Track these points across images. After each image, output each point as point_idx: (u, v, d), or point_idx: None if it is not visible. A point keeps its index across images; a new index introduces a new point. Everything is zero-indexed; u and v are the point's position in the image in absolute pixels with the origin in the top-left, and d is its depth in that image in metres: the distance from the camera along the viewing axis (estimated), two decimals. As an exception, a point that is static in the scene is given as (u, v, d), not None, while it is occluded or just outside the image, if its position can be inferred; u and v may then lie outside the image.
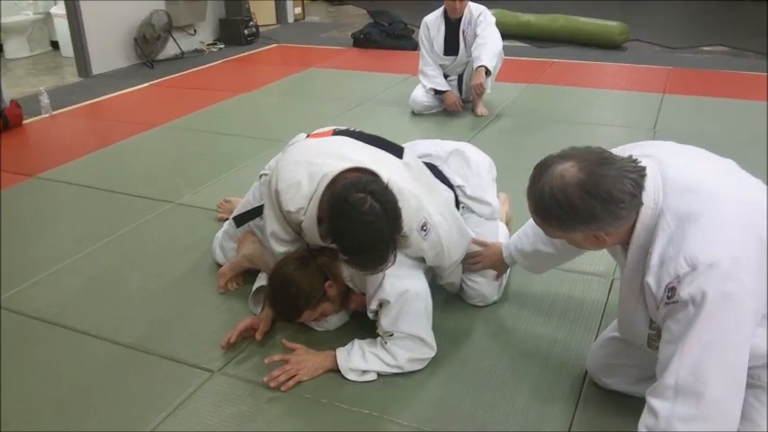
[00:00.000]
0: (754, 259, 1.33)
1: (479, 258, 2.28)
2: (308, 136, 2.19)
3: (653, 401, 1.37)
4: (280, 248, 2.11)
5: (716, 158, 1.54)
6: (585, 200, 1.37)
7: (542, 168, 1.44)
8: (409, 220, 1.91)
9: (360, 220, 1.77)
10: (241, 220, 2.46)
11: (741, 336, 1.33)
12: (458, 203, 2.29)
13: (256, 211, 2.36)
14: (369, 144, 2.11)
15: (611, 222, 1.41)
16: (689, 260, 1.33)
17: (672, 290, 1.35)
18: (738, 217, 1.37)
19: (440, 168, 2.32)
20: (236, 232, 2.51)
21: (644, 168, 1.41)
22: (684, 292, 1.32)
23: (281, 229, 2.08)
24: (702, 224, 1.36)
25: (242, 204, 2.53)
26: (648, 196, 1.42)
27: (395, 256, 1.87)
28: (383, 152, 2.09)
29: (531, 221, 2.10)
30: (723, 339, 1.31)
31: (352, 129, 2.22)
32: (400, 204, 1.87)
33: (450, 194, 2.26)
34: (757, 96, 4.75)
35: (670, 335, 1.37)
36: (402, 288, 1.95)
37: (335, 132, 2.16)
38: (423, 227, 1.97)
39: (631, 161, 1.41)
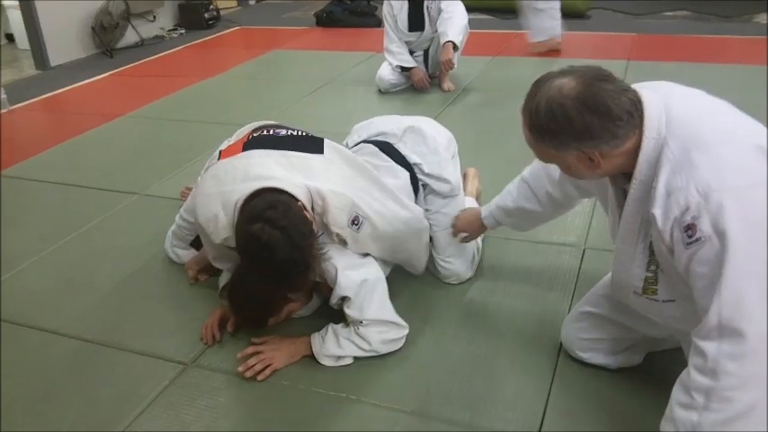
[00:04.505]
0: None
1: (455, 224, 2.26)
2: (220, 153, 2.12)
3: (699, 342, 1.30)
4: (226, 266, 2.11)
5: (713, 97, 1.48)
6: (582, 113, 1.33)
7: (540, 83, 1.40)
8: (338, 220, 1.92)
9: (262, 255, 1.78)
10: (198, 242, 2.44)
11: None
12: (416, 182, 2.26)
13: None
14: (284, 149, 2.04)
15: (607, 140, 1.35)
16: (700, 189, 1.27)
17: (690, 227, 1.28)
18: (749, 143, 1.32)
19: (395, 147, 2.28)
20: (183, 233, 2.49)
21: (638, 93, 1.37)
22: (706, 225, 1.26)
23: (220, 254, 2.09)
24: (712, 151, 1.30)
25: (186, 208, 2.44)
26: (651, 126, 1.36)
27: (314, 271, 1.89)
28: (299, 154, 2.03)
29: (515, 180, 2.08)
30: (758, 269, 1.24)
31: (267, 131, 2.14)
32: (324, 207, 1.90)
33: (402, 178, 2.22)
34: (720, 59, 4.79)
35: (703, 280, 1.29)
36: (359, 279, 1.95)
37: (249, 140, 2.09)
38: (353, 221, 1.95)
39: (627, 85, 1.38)
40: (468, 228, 2.26)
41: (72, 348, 2.14)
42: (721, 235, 1.25)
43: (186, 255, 2.51)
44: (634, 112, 1.35)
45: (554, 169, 1.83)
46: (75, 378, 2.01)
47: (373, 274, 2.00)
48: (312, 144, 2.09)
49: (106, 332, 2.20)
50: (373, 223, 2.00)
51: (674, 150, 1.34)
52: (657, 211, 1.34)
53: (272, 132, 2.13)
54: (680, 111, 1.38)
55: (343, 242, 1.98)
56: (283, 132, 2.13)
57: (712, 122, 1.38)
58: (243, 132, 2.21)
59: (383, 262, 2.13)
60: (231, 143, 2.19)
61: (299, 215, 1.84)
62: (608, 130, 1.34)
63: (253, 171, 1.94)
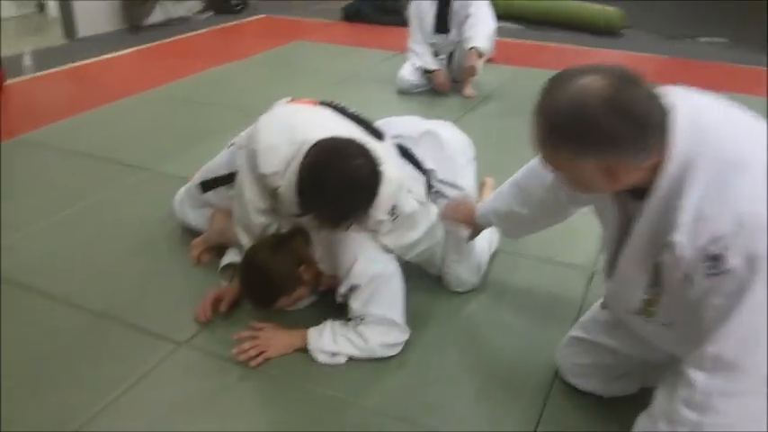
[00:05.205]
0: None
1: (450, 209, 2.15)
2: (291, 101, 2.13)
3: (690, 372, 1.20)
4: (256, 218, 2.06)
5: (742, 109, 1.32)
6: (610, 118, 1.15)
7: (560, 80, 1.21)
8: (384, 205, 1.89)
9: (345, 171, 1.75)
10: (208, 185, 2.40)
11: None
12: (430, 187, 2.23)
13: (225, 179, 2.31)
14: (352, 122, 2.06)
15: (632, 152, 1.18)
16: (736, 217, 1.13)
17: (716, 258, 1.15)
18: None
19: (411, 151, 2.25)
20: (200, 197, 2.45)
21: (669, 102, 1.22)
22: (735, 259, 1.13)
23: (258, 196, 2.03)
24: (749, 174, 1.16)
25: (208, 169, 2.43)
26: (679, 138, 1.20)
27: (354, 224, 1.84)
28: (364, 133, 2.02)
29: (508, 182, 1.97)
30: None
31: (336, 104, 2.16)
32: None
33: (419, 182, 2.19)
34: (756, 91, 4.57)
35: (718, 312, 1.17)
36: (374, 271, 1.91)
37: (321, 102, 2.10)
38: (392, 211, 1.94)
39: (658, 91, 1.21)
40: (465, 220, 2.13)
41: (67, 317, 2.13)
42: (750, 268, 1.13)
43: (195, 218, 2.48)
44: (665, 121, 1.20)
45: (547, 173, 1.64)
46: (65, 348, 2.00)
47: (390, 269, 1.97)
48: (375, 132, 2.10)
49: (102, 304, 2.19)
50: (408, 217, 1.99)
51: (705, 170, 1.18)
52: (680, 237, 1.19)
53: (341, 106, 2.15)
54: (711, 125, 1.23)
55: (376, 231, 1.95)
56: (351, 111, 2.15)
57: (747, 140, 1.22)
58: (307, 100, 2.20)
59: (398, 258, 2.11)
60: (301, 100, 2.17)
61: (380, 176, 1.82)
62: (637, 141, 1.17)
63: (327, 124, 1.95)
